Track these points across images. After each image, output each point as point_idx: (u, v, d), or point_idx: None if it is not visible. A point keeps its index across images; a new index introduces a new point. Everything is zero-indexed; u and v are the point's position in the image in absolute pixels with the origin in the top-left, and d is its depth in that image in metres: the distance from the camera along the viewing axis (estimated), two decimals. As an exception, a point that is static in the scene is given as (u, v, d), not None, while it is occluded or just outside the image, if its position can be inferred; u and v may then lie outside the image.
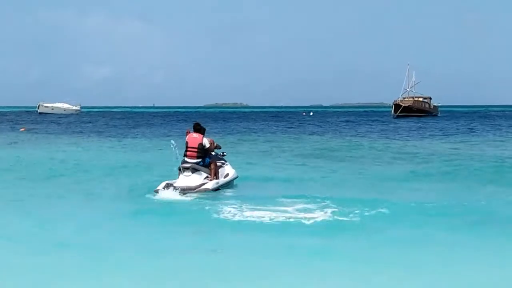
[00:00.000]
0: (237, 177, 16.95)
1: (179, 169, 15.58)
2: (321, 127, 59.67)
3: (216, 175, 15.90)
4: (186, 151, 15.74)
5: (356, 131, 51.79)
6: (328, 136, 43.44)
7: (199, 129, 16.05)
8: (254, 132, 48.24)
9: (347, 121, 79.72)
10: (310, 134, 45.73)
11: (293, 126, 60.85)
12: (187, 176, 15.37)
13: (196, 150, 15.66)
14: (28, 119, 77.66)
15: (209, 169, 15.81)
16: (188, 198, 14.41)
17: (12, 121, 72.03)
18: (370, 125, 65.86)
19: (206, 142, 15.85)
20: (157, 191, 14.80)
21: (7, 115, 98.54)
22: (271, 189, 16.34)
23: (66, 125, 61.25)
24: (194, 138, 15.82)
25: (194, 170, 15.48)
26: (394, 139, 39.34)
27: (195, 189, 15.04)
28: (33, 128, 55.21)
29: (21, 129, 52.36)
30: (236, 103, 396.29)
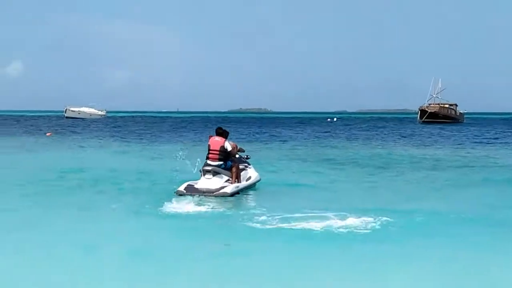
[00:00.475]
0: (259, 180, 17.13)
1: (201, 171, 15.84)
2: (347, 133, 59.48)
3: (237, 178, 16.10)
4: (208, 153, 16.01)
5: (384, 137, 51.54)
6: (357, 142, 43.21)
7: (221, 132, 16.32)
8: (280, 138, 48.10)
9: (374, 126, 79.13)
10: (337, 140, 45.62)
11: (319, 132, 60.58)
12: (208, 178, 15.60)
13: (217, 152, 15.92)
14: (56, 123, 78.62)
15: (231, 172, 16.02)
16: (209, 206, 14.23)
17: (35, 126, 72.92)
18: (398, 130, 65.57)
19: (228, 145, 16.08)
20: (178, 192, 15.19)
21: (35, 119, 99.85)
22: (300, 196, 16.25)
23: (93, 130, 61.76)
24: (216, 141, 16.12)
25: (215, 173, 15.70)
26: (424, 145, 39.13)
27: (214, 192, 15.23)
28: (60, 132, 55.95)
29: (47, 134, 52.98)
30: (260, 109, 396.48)
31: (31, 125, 73.43)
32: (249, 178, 16.69)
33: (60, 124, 75.58)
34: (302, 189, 17.75)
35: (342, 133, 58.29)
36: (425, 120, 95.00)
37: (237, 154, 16.65)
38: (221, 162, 15.93)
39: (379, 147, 37.81)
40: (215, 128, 16.88)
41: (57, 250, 10.30)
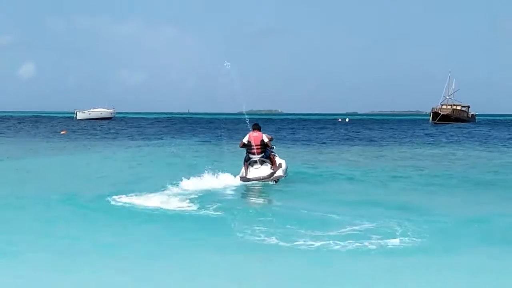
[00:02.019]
0: (287, 166, 19.66)
1: (247, 164, 18.42)
2: (362, 134, 59.39)
3: (275, 164, 18.72)
4: (251, 148, 18.42)
5: (401, 137, 51.58)
6: (385, 142, 43.30)
7: (258, 128, 18.86)
8: (299, 140, 47.92)
9: (391, 128, 77.95)
10: (359, 141, 45.58)
11: (338, 134, 59.44)
12: (257, 168, 18.35)
13: (260, 146, 18.50)
14: (69, 124, 79.16)
15: (270, 160, 18.68)
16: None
17: (53, 125, 73.45)
18: (414, 131, 65.54)
19: (265, 137, 18.72)
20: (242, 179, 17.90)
21: (50, 120, 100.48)
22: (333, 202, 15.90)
23: (104, 131, 62.13)
24: (256, 137, 18.59)
25: (262, 162, 18.44)
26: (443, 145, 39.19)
27: (269, 177, 18.10)
28: (74, 132, 56.48)
29: (62, 132, 53.78)
30: (271, 110, 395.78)
31: (52, 126, 74.05)
32: (280, 164, 19.01)
33: (74, 125, 76.06)
34: (335, 195, 16.98)
35: (363, 134, 58.12)
36: (437, 122, 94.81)
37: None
38: (263, 154, 18.56)
39: (403, 147, 37.82)
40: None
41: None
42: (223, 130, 59.78)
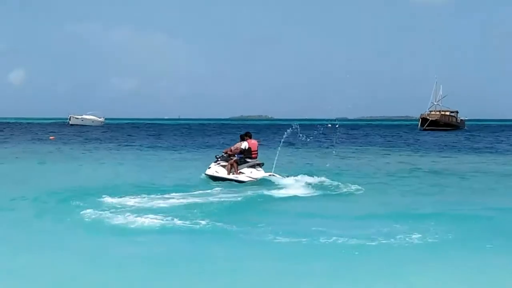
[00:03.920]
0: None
1: (237, 166, 20.73)
2: (359, 139, 59.69)
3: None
4: (251, 154, 20.94)
5: (389, 142, 52.02)
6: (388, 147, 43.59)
7: (251, 135, 21.41)
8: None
9: (385, 135, 77.88)
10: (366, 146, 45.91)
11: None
12: (259, 170, 20.78)
13: (257, 151, 21.22)
14: (60, 130, 79.24)
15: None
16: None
17: (43, 131, 73.48)
18: (400, 136, 66.03)
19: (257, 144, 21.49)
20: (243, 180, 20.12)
21: (41, 126, 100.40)
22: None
23: (94, 138, 62.26)
24: (254, 143, 21.19)
25: (262, 165, 21.17)
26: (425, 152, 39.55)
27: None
28: (63, 136, 56.51)
29: (51, 138, 53.87)
30: (261, 116, 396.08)
31: (41, 130, 74.05)
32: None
33: (63, 131, 76.14)
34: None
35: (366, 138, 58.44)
36: (426, 128, 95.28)
37: None
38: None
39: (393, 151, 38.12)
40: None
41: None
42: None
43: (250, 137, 21.19)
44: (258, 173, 20.47)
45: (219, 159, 21.75)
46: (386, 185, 20.62)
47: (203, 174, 21.82)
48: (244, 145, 20.79)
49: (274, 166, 20.66)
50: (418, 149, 43.18)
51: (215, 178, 20.85)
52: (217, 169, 21.23)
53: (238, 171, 20.59)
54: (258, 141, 21.53)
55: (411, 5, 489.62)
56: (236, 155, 20.95)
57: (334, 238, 11.37)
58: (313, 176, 19.67)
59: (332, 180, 19.50)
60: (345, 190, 18.47)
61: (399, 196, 18.18)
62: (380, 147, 46.61)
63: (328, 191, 18.20)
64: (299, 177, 19.59)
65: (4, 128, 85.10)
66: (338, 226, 12.44)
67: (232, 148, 21.26)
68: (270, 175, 20.12)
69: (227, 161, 21.15)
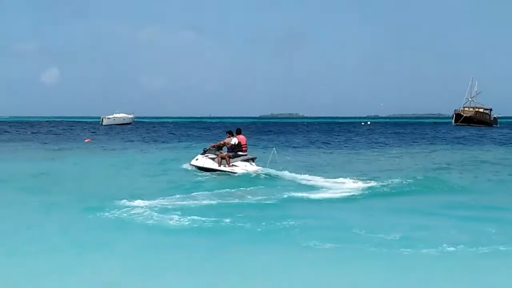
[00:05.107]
0: None
1: (229, 159, 22.71)
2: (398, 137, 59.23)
3: None
4: (242, 147, 23.16)
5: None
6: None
7: (240, 131, 23.72)
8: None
9: (422, 131, 77.46)
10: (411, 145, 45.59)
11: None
12: (252, 164, 22.73)
13: (246, 145, 23.56)
14: (95, 129, 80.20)
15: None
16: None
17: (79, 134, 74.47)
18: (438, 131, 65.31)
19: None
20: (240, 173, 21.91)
21: (74, 126, 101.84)
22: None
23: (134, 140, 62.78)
24: (243, 138, 23.56)
25: (255, 159, 23.12)
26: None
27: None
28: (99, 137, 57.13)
29: (86, 140, 54.20)
30: (291, 114, 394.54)
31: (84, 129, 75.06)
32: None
33: (99, 131, 76.96)
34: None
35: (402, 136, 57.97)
36: (460, 124, 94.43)
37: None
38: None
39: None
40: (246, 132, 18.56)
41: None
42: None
43: (239, 133, 23.54)
44: (252, 167, 22.42)
45: (206, 152, 23.93)
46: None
47: (188, 165, 24.33)
48: (234, 140, 23.14)
49: (269, 161, 22.77)
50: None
51: (203, 169, 23.15)
52: (205, 161, 23.51)
53: (231, 164, 22.62)
54: (246, 137, 23.86)
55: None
56: (227, 150, 23.26)
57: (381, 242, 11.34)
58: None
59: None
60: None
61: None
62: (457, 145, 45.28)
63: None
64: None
65: (41, 128, 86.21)
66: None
67: (222, 142, 23.59)
68: (262, 169, 21.99)
69: (215, 155, 23.36)
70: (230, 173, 22.18)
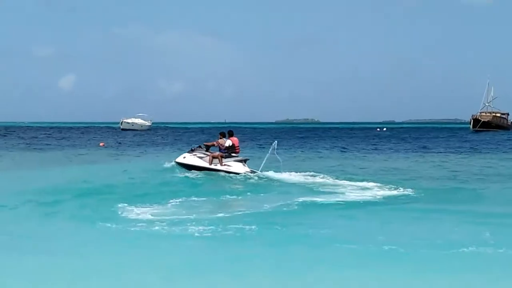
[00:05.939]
0: None
1: (221, 159, 23.45)
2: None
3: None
4: (235, 149, 23.96)
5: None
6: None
7: (233, 133, 24.44)
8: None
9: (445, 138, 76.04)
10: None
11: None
12: (244, 165, 23.49)
13: (239, 147, 24.34)
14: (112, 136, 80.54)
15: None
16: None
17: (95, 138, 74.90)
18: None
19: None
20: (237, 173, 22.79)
21: (91, 131, 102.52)
22: None
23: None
24: (236, 140, 24.28)
25: (247, 160, 23.99)
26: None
27: (252, 172, 23.04)
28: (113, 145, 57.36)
29: (101, 144, 54.22)
30: (307, 119, 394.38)
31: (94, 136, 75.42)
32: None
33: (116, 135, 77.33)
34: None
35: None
36: (478, 129, 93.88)
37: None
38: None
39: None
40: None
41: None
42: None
43: (232, 135, 24.33)
44: (244, 168, 23.34)
45: (194, 151, 24.62)
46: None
47: (173, 162, 24.92)
48: (228, 142, 23.92)
49: (262, 164, 23.21)
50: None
51: (191, 167, 23.92)
52: (194, 160, 24.19)
53: (224, 164, 23.47)
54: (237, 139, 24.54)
55: (460, 5, 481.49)
56: (220, 150, 23.91)
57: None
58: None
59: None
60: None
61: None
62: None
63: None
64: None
65: (65, 134, 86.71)
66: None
67: (215, 143, 24.38)
68: (252, 171, 23.01)
69: (204, 154, 24.10)
70: (223, 172, 22.97)
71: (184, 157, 24.65)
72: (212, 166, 23.59)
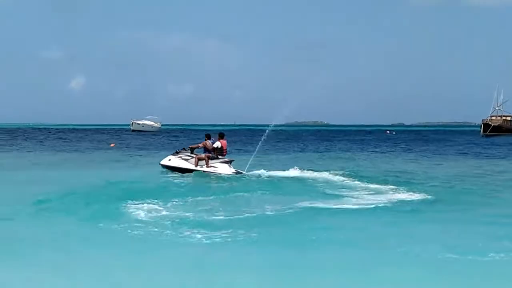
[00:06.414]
0: None
1: (209, 161, 23.85)
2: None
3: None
4: (223, 151, 24.25)
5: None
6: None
7: (223, 135, 24.81)
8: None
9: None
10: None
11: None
12: (230, 167, 23.90)
13: (226, 150, 24.60)
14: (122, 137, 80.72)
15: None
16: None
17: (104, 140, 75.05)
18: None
19: None
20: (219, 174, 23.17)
21: (103, 133, 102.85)
22: None
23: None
24: (224, 143, 24.58)
25: (233, 161, 24.44)
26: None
27: (238, 173, 23.55)
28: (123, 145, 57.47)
29: (111, 145, 54.45)
30: (316, 121, 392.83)
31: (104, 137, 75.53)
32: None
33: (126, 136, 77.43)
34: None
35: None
36: (489, 134, 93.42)
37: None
38: None
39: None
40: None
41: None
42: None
43: (222, 138, 24.62)
44: (230, 169, 23.73)
45: (179, 153, 24.80)
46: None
47: (159, 164, 25.31)
48: (217, 144, 24.25)
49: (248, 165, 24.10)
50: None
51: (177, 170, 24.16)
52: (180, 162, 24.42)
53: (210, 166, 23.77)
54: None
55: (469, 8, 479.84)
56: (207, 151, 24.21)
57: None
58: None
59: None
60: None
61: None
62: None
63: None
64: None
65: (81, 135, 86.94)
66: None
67: (201, 144, 24.61)
68: (238, 172, 23.50)
69: (189, 156, 24.33)
70: (209, 173, 23.44)
71: (170, 160, 24.91)
72: (198, 168, 23.98)
